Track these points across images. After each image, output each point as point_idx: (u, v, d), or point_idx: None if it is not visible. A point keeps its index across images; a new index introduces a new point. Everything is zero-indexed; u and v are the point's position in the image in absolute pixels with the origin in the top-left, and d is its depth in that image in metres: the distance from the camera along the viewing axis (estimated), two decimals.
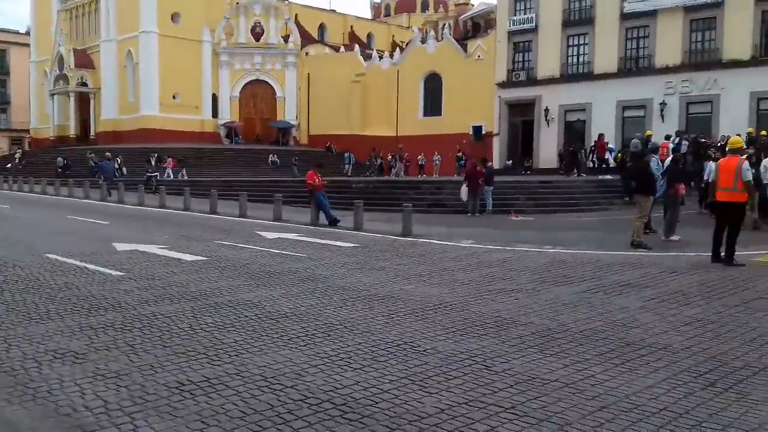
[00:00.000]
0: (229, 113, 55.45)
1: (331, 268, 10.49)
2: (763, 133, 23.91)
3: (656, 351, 5.92)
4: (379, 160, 43.00)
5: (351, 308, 7.63)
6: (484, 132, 42.03)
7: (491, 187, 21.29)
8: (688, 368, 5.45)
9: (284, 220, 18.72)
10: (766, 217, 14.52)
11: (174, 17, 52.56)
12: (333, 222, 17.14)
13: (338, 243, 13.65)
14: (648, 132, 26.50)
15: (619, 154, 24.28)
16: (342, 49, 57.11)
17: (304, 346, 6.11)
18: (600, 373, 5.33)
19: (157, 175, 34.16)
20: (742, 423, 4.33)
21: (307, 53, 56.54)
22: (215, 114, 55.46)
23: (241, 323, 6.91)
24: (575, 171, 28.40)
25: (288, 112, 55.65)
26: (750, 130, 25.51)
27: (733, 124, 30.08)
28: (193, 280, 9.36)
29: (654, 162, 14.15)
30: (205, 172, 40.18)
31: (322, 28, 67.24)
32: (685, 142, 21.47)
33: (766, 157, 15.42)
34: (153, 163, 34.91)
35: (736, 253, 10.32)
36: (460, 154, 37.91)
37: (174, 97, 52.65)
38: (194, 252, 12.22)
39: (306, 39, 59.23)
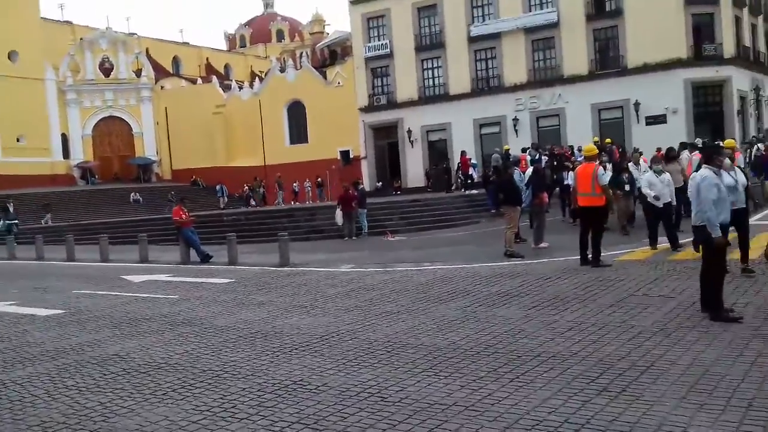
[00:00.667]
0: (82, 153, 52.00)
1: (207, 307, 9.83)
2: (608, 141, 25.83)
3: (546, 360, 5.93)
4: (261, 190, 41.96)
5: (232, 350, 7.10)
6: (351, 156, 42.33)
7: (365, 210, 21.29)
8: (579, 374, 5.47)
9: (152, 261, 17.59)
10: (632, 221, 15.33)
11: (11, 55, 48.72)
12: (205, 258, 16.31)
13: (212, 280, 12.93)
14: (506, 146, 27.80)
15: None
16: (199, 81, 55.56)
17: (182, 399, 5.54)
18: (497, 390, 5.22)
19: (17, 223, 31.51)
20: (642, 426, 4.34)
21: (162, 87, 54.46)
22: (66, 155, 51.80)
23: (107, 382, 6.19)
24: (455, 187, 28.98)
25: (147, 148, 53.16)
26: (595, 139, 27.43)
27: (580, 134, 32.19)
28: (50, 338, 8.38)
29: (516, 174, 14.71)
30: (60, 216, 37.26)
31: (176, 60, 65.15)
32: (544, 156, 22.66)
33: (609, 163, 16.40)
34: (11, 210, 32.30)
35: (601, 254, 10.82)
36: (319, 180, 38.55)
37: (18, 140, 48.62)
38: (50, 305, 11.05)
39: (160, 72, 57.10)
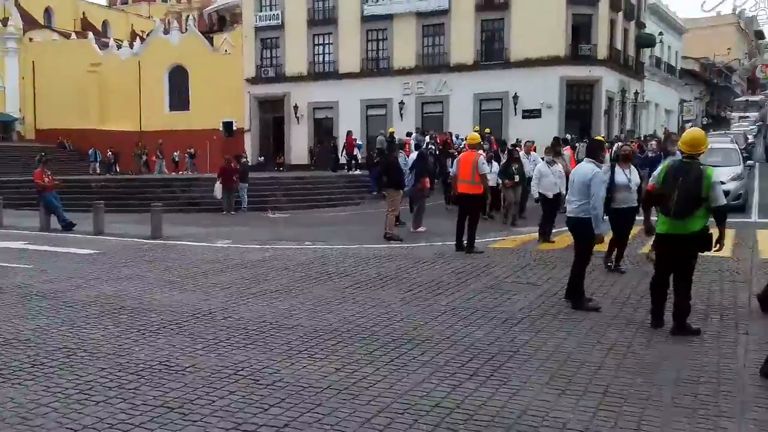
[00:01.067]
0: None
1: (66, 279, 9.15)
2: (487, 131, 26.69)
3: (420, 344, 6.00)
4: (144, 157, 39.46)
5: (92, 326, 6.64)
6: (235, 128, 41.03)
7: (246, 184, 20.71)
8: (452, 359, 5.58)
9: (7, 227, 16.20)
10: (522, 212, 15.53)
11: None
12: (67, 226, 15.22)
13: (75, 250, 12.06)
14: (391, 129, 27.99)
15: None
16: (73, 36, 51.57)
17: (31, 380, 5.10)
18: (372, 373, 5.22)
19: None
20: (509, 410, 4.48)
21: (31, 39, 50.03)
22: None
23: None
24: (346, 167, 28.60)
25: (9, 104, 48.79)
26: (476, 128, 28.25)
27: (461, 122, 33.14)
28: None
29: (401, 157, 14.83)
30: None
31: (48, 11, 60.17)
32: (428, 140, 22.99)
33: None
34: None
35: (476, 240, 11.14)
36: (191, 151, 37.07)
37: None
38: None
39: (30, 24, 52.38)
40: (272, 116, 39.82)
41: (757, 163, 24.06)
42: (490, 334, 6.34)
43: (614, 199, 8.95)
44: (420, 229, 13.62)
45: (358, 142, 27.81)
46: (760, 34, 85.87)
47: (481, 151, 12.05)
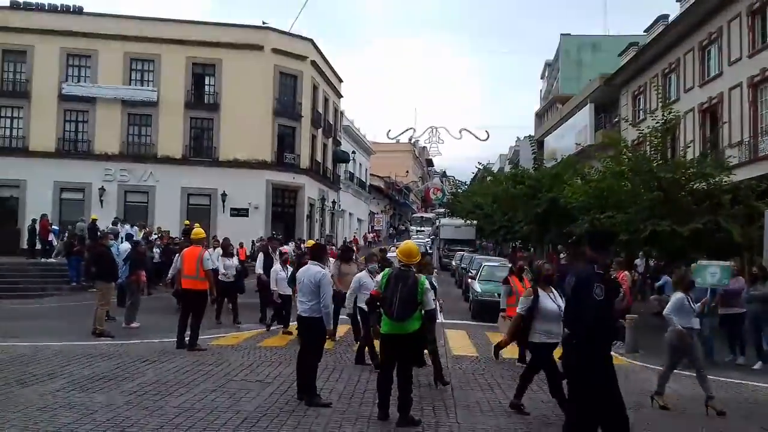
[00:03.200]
0: None
1: None
2: (186, 222, 26.41)
3: None
4: None
5: None
6: None
7: None
8: None
9: None
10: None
11: None
12: None
13: None
14: (93, 216, 25.96)
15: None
16: None
17: None
18: None
19: None
20: None
21: None
22: None
23: None
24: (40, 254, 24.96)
25: None
26: (186, 222, 27.73)
27: (169, 215, 32.28)
28: None
29: (114, 248, 13.92)
30: None
31: None
32: (138, 231, 21.81)
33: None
34: None
35: (198, 338, 10.86)
36: None
37: None
38: None
39: None
40: None
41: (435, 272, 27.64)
42: None
43: (535, 328, 7.48)
44: (133, 325, 12.77)
45: (54, 226, 25.10)
46: (430, 162, 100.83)
47: (211, 249, 11.97)
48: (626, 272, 13.97)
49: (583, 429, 5.33)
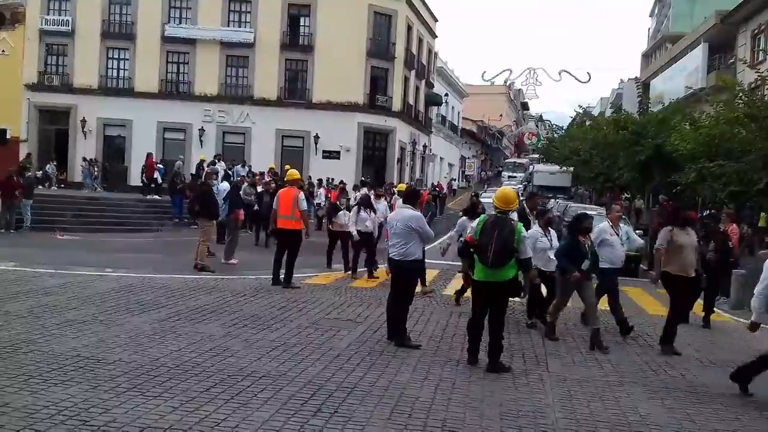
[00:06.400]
0: None
1: None
2: (272, 166, 26.99)
3: (258, 380, 5.87)
4: None
5: None
6: (9, 136, 36.57)
7: (30, 201, 18.53)
8: (293, 395, 5.54)
9: None
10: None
11: None
12: None
13: None
14: (202, 157, 26.96)
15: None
16: None
17: None
18: (213, 412, 4.99)
19: None
20: None
21: None
22: None
23: None
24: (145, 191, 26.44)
25: None
26: (272, 165, 28.32)
27: (263, 155, 33.06)
28: None
29: (215, 187, 14.40)
30: None
31: None
32: (244, 169, 22.44)
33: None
34: None
35: (293, 276, 11.17)
36: None
37: None
38: None
39: None
40: (55, 128, 36.29)
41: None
42: (324, 370, 6.39)
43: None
44: (232, 261, 13.29)
45: (159, 165, 26.30)
46: (525, 106, 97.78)
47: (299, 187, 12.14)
48: (735, 225, 13.17)
49: None
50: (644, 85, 47.07)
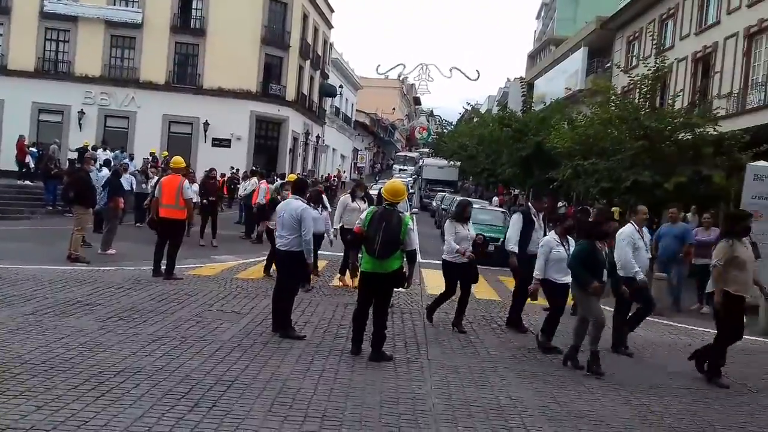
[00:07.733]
0: None
1: None
2: (164, 154, 26.00)
3: (132, 376, 5.65)
4: None
5: None
6: None
7: None
8: (169, 390, 5.37)
9: None
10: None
11: None
12: None
13: None
14: (85, 142, 25.47)
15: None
16: None
17: None
18: (81, 410, 4.75)
19: None
20: None
21: None
22: None
23: None
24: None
25: None
26: (165, 153, 27.28)
27: (148, 141, 31.73)
28: None
29: (93, 174, 13.67)
30: None
31: None
32: (124, 155, 21.38)
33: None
34: None
35: (175, 267, 10.82)
36: None
37: None
38: None
39: None
40: None
41: (417, 210, 27.70)
42: (204, 363, 6.25)
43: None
44: (109, 252, 12.66)
45: (32, 149, 24.59)
46: (417, 101, 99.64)
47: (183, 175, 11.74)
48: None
49: None
50: (529, 85, 49.17)
